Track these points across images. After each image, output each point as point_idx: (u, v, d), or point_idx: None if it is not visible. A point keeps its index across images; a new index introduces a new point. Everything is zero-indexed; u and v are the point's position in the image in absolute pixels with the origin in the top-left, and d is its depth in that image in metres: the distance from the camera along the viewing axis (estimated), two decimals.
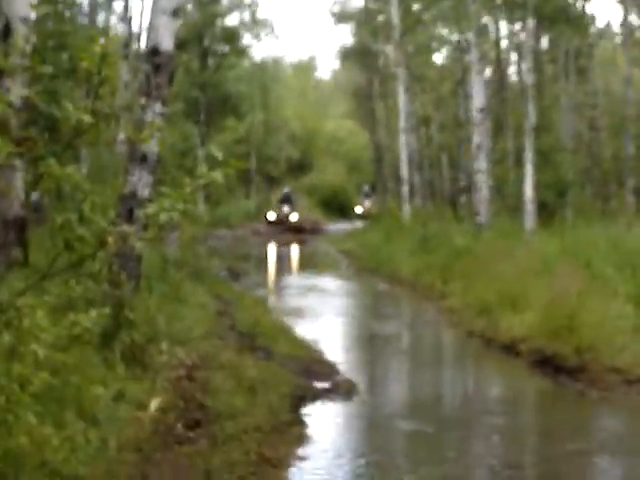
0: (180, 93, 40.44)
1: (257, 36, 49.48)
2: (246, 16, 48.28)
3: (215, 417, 8.15)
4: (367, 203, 51.02)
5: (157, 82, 9.93)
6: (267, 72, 57.04)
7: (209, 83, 43.09)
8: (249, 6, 48.18)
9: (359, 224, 43.64)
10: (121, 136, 16.55)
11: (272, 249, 35.88)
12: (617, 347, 11.18)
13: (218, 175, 4.99)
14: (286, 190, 47.09)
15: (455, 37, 35.71)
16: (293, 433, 8.33)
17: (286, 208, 44.56)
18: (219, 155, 5.13)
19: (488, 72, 33.64)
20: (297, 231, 42.34)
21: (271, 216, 43.98)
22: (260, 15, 51.02)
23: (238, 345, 11.73)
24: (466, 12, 25.34)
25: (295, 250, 35.99)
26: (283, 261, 32.14)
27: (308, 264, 30.48)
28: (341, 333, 15.62)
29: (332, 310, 18.25)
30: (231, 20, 45.91)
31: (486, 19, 31.48)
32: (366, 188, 53.44)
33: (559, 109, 31.76)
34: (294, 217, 44.12)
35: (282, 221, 43.67)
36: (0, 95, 4.88)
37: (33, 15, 10.38)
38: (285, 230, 42.16)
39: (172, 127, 32.27)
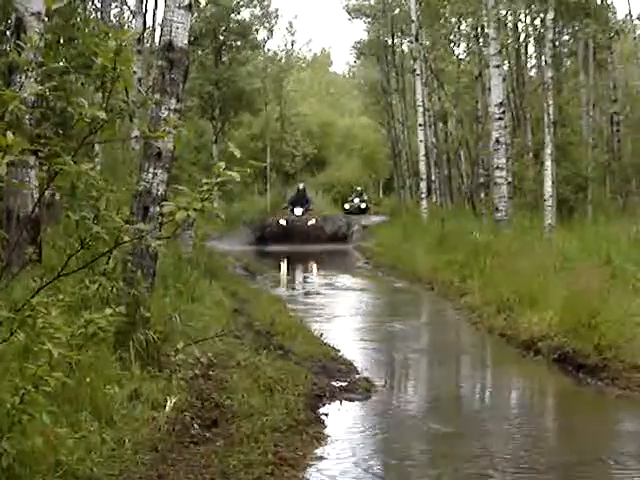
0: (194, 89, 40.39)
1: (270, 30, 49.36)
2: (258, 10, 48.21)
3: (232, 417, 8.10)
4: (356, 200, 56.03)
5: (171, 78, 9.83)
6: (281, 67, 56.87)
7: (223, 78, 42.97)
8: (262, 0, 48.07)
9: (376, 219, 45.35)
10: (135, 132, 16.47)
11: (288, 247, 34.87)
12: (638, 345, 11.05)
13: (236, 174, 4.90)
14: (300, 186, 40.46)
15: (473, 30, 35.37)
16: (311, 433, 8.23)
17: (298, 210, 37.70)
18: (237, 153, 5.02)
19: (506, 66, 33.42)
20: (316, 236, 35.97)
21: (282, 221, 36.98)
22: (272, 8, 50.57)
23: (255, 344, 11.68)
24: (485, 5, 25.12)
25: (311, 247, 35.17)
26: (299, 259, 31.76)
27: (324, 262, 30.32)
28: (359, 331, 15.50)
29: (349, 308, 18.17)
30: (245, 14, 45.56)
31: (505, 12, 31.20)
32: (358, 189, 58.30)
33: (578, 103, 31.54)
34: (311, 222, 37.10)
35: (296, 226, 36.61)
36: (13, 92, 4.78)
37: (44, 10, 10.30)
38: (300, 236, 35.54)
39: (187, 123, 32.21)
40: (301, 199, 38.83)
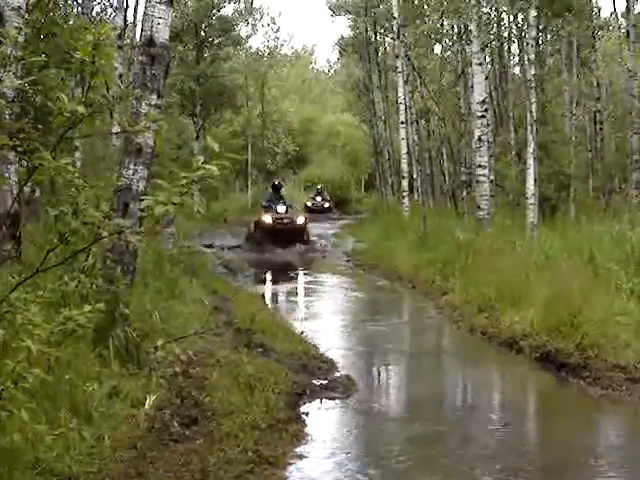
0: (175, 85, 40.26)
1: (254, 26, 49.38)
2: (242, 6, 48.23)
3: (211, 414, 8.06)
4: (318, 199, 55.82)
5: (152, 73, 9.78)
6: (263, 64, 56.82)
7: (205, 75, 42.86)
8: None
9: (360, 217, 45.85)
10: (115, 128, 16.40)
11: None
12: (620, 344, 11.07)
13: (214, 168, 4.85)
14: (276, 182, 35.16)
15: (456, 28, 35.29)
16: (291, 431, 8.21)
17: (281, 207, 32.72)
18: (216, 146, 4.97)
19: (489, 63, 33.41)
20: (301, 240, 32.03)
21: (267, 219, 31.96)
22: (256, 4, 50.70)
23: (235, 342, 11.63)
24: (467, 2, 25.03)
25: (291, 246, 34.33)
26: (281, 257, 31.46)
27: (306, 260, 30.20)
28: (339, 330, 15.46)
29: (330, 307, 18.13)
30: (227, 10, 45.70)
31: (487, 9, 31.14)
32: (319, 187, 57.74)
33: (562, 102, 31.55)
34: (301, 220, 32.85)
35: (282, 225, 31.94)
36: None
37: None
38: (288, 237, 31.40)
39: (168, 119, 31.99)
40: (279, 195, 33.76)
